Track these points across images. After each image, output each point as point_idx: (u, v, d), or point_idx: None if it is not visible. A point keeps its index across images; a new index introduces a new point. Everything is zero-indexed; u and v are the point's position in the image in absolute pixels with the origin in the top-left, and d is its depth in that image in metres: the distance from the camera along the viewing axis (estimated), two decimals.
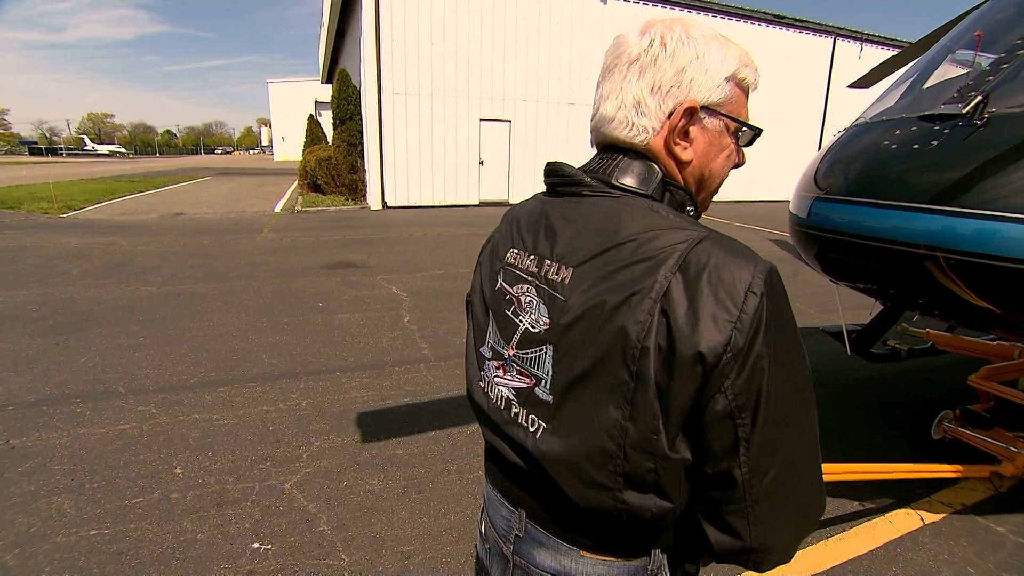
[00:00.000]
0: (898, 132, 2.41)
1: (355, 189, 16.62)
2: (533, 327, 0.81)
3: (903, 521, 2.76)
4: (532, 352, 0.81)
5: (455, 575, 2.31)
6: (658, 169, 0.80)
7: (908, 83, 2.80)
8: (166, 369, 4.28)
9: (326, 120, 20.83)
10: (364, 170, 16.26)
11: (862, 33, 21.30)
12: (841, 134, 2.81)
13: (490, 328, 0.92)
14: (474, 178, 16.06)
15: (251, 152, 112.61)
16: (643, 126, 0.79)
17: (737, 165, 0.89)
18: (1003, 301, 2.16)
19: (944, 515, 2.82)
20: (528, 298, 0.83)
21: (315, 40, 28.39)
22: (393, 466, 3.09)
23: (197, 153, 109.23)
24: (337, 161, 16.63)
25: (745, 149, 0.89)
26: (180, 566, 2.28)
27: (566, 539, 0.87)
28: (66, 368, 4.24)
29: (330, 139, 19.26)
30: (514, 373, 0.86)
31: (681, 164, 0.81)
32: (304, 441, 3.31)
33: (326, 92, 22.32)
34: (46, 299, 6.07)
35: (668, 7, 17.33)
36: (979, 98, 2.17)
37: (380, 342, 5.06)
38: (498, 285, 0.90)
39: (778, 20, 19.71)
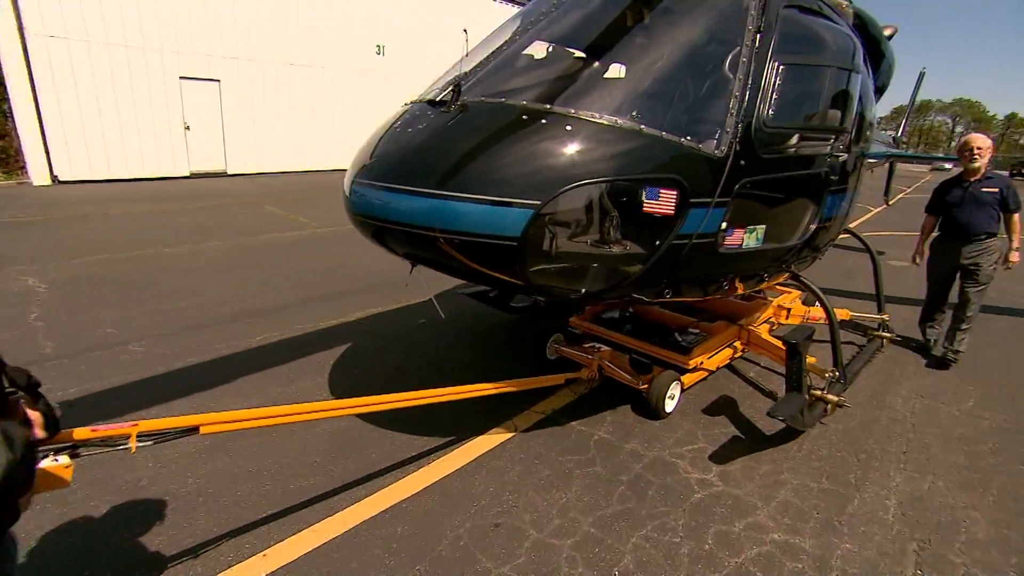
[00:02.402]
0: (408, 116, 2.60)
1: (6, 160, 12.96)
2: None
3: (497, 435, 3.18)
4: None
5: None
6: None
7: (456, 66, 2.94)
8: None
9: None
10: (16, 136, 12.73)
11: None
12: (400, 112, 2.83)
13: None
14: (180, 145, 13.87)
15: None
16: None
17: None
18: (503, 271, 2.36)
19: (534, 421, 3.34)
20: None
21: None
22: None
23: None
24: None
25: None
26: None
27: None
28: None
29: None
30: None
31: None
32: None
33: None
34: None
35: None
36: (451, 88, 2.45)
37: None
38: None
39: None
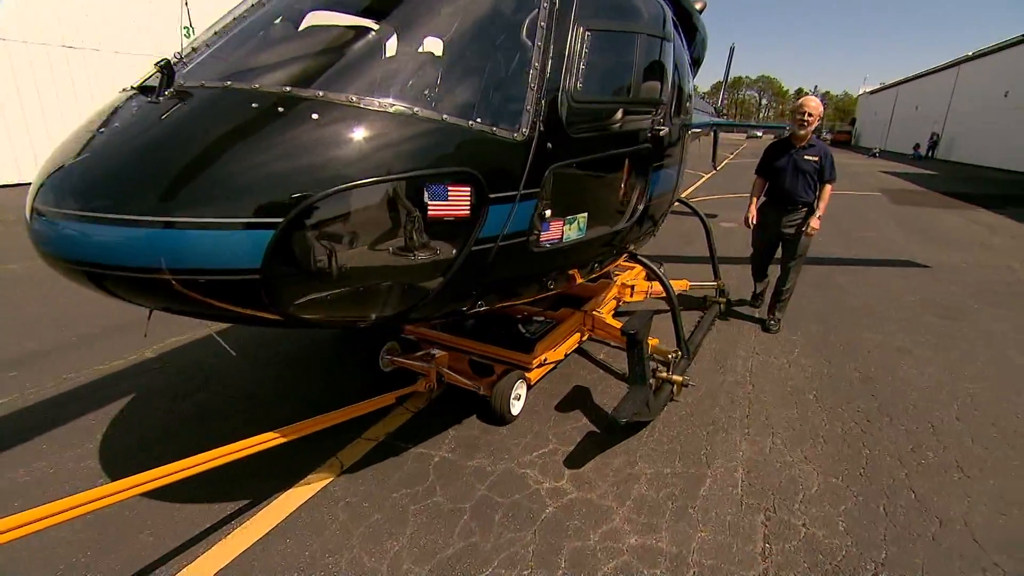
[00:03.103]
0: (113, 109, 1.93)
1: None
2: None
3: (317, 479, 2.64)
4: None
5: None
6: None
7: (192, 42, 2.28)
8: None
9: None
10: None
11: None
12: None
13: None
14: None
15: None
16: None
17: None
18: (258, 309, 1.85)
19: (363, 453, 2.85)
20: None
21: None
22: None
23: None
24: None
25: None
26: None
27: None
28: None
29: None
30: None
31: None
32: None
33: None
34: None
35: None
36: (160, 70, 1.83)
37: None
38: None
39: None
